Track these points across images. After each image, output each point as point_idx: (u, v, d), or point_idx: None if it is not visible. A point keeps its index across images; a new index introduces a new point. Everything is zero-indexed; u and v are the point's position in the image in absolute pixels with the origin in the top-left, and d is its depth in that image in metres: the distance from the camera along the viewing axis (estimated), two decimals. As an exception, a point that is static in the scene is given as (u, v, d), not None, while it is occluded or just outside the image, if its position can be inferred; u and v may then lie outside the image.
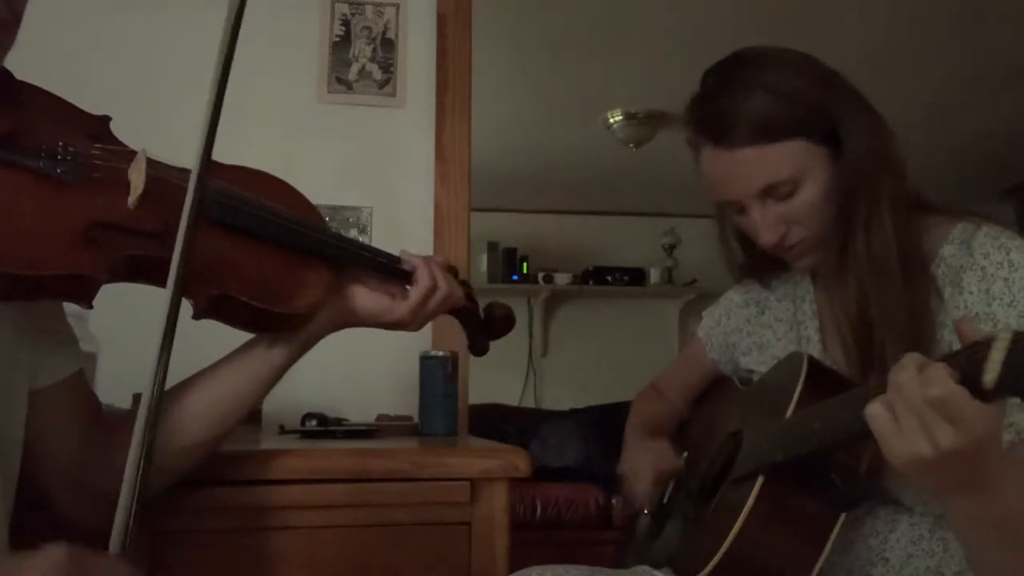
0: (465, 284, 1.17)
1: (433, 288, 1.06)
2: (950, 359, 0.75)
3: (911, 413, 0.76)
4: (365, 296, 1.06)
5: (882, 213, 1.02)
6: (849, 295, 1.04)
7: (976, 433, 0.74)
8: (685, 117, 1.10)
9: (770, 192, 1.03)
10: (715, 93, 1.07)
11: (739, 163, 1.03)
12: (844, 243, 1.04)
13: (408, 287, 1.08)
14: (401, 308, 1.06)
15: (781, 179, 1.02)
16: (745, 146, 1.02)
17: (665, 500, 1.30)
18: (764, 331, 1.25)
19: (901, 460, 0.78)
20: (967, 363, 0.73)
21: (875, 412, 0.79)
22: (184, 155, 0.88)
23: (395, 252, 1.10)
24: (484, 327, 1.21)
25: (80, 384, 0.98)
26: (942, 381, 0.73)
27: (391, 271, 1.08)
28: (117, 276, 0.86)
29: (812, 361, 1.06)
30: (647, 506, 1.32)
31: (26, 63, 0.88)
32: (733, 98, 1.04)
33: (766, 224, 1.05)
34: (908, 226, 1.03)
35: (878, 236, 1.02)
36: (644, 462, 1.32)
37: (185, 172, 0.90)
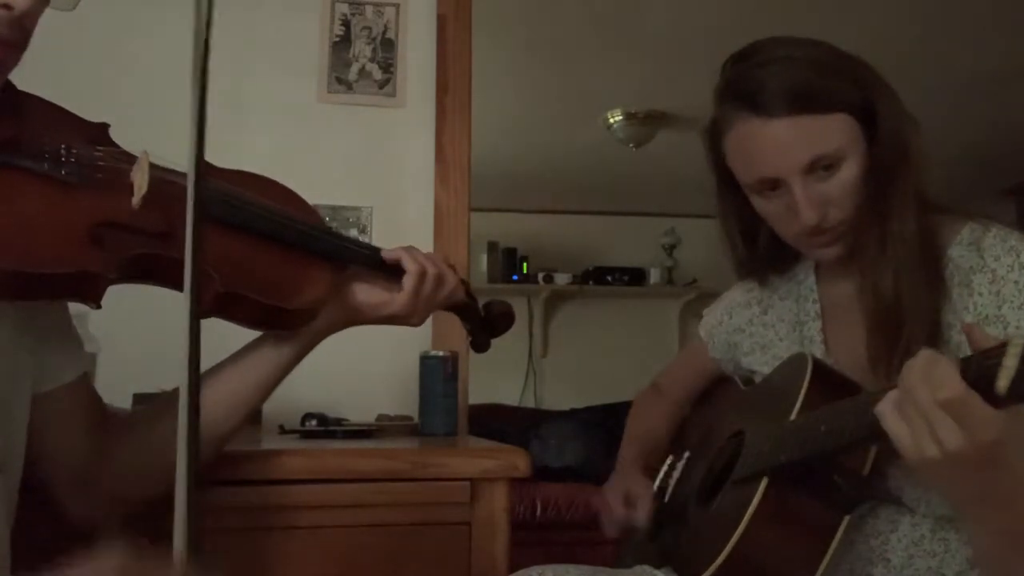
0: (463, 282, 1.17)
1: (423, 271, 1.07)
2: (962, 364, 0.75)
3: (920, 413, 0.76)
4: (365, 291, 1.07)
5: (910, 199, 1.02)
6: (886, 280, 1.01)
7: (982, 438, 0.73)
8: (717, 96, 1.08)
9: (814, 166, 1.01)
10: (752, 67, 1.04)
11: (784, 134, 1.00)
12: (881, 228, 1.02)
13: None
14: (400, 298, 1.06)
15: (828, 151, 1.00)
16: (791, 115, 0.99)
17: (666, 500, 1.30)
18: (767, 331, 1.24)
19: (911, 459, 0.78)
20: (979, 368, 0.72)
21: (884, 411, 0.79)
22: (183, 159, 0.89)
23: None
24: (484, 324, 1.22)
25: (85, 387, 0.98)
26: (954, 383, 0.73)
27: (387, 267, 1.08)
28: (124, 276, 0.87)
29: (817, 363, 1.05)
30: (615, 534, 1.34)
31: (25, 71, 0.88)
32: (774, 68, 1.02)
33: (808, 202, 1.01)
34: (926, 216, 1.03)
35: (911, 220, 1.01)
36: (615, 498, 1.33)
37: (185, 175, 0.91)
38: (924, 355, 0.78)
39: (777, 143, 1.01)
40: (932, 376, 0.75)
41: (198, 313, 0.62)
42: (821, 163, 1.01)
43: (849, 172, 1.02)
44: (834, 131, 1.01)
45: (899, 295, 1.01)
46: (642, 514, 1.29)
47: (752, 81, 1.03)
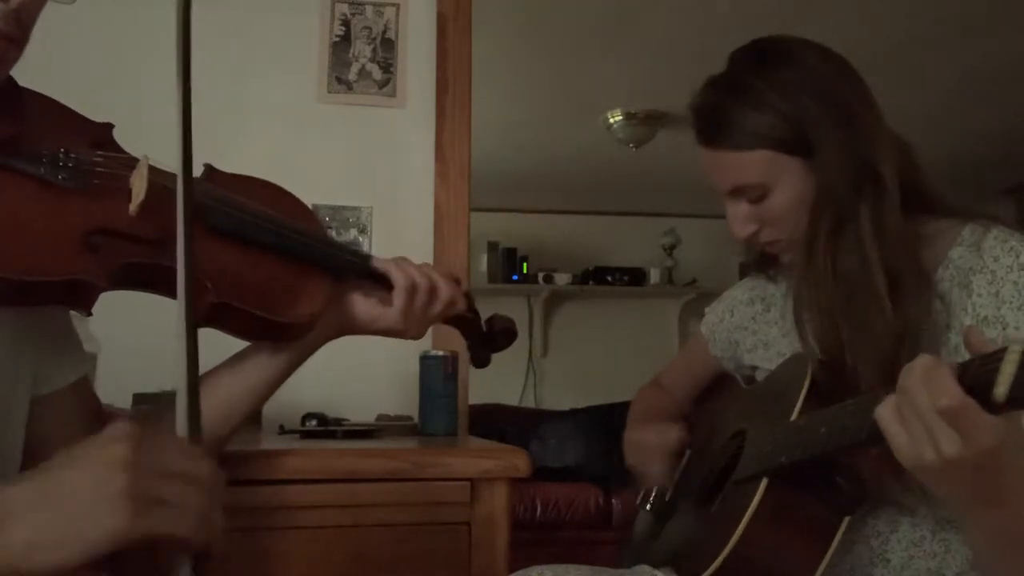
0: (467, 295, 1.14)
1: (412, 286, 1.03)
2: (960, 368, 0.74)
3: (918, 419, 0.75)
4: (361, 303, 1.05)
5: (859, 231, 1.01)
6: (814, 313, 1.05)
7: (981, 445, 0.73)
8: (690, 104, 1.14)
9: (740, 193, 1.08)
10: (715, 91, 1.11)
11: (713, 161, 1.10)
12: (805, 266, 1.06)
13: None
14: (390, 313, 1.04)
15: (747, 184, 1.07)
16: (718, 149, 1.08)
17: (667, 499, 1.30)
18: (769, 328, 1.24)
19: (908, 464, 0.78)
20: (978, 374, 0.72)
21: (883, 415, 0.79)
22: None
23: (395, 254, 1.09)
24: (486, 339, 1.18)
25: (83, 390, 0.97)
26: (953, 391, 0.73)
27: (381, 280, 1.05)
28: (117, 283, 0.85)
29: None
30: (662, 484, 1.31)
31: (28, 69, 0.88)
32: (724, 101, 1.08)
33: (735, 220, 1.11)
34: (900, 241, 1.02)
35: (847, 255, 1.02)
36: (650, 442, 1.32)
37: None
38: (923, 360, 0.77)
39: (709, 167, 1.11)
40: (931, 382, 0.74)
41: (194, 323, 0.63)
42: (745, 192, 1.08)
43: (778, 200, 1.07)
44: (753, 167, 1.06)
45: (830, 327, 1.02)
46: (681, 436, 1.30)
47: (701, 106, 1.11)
